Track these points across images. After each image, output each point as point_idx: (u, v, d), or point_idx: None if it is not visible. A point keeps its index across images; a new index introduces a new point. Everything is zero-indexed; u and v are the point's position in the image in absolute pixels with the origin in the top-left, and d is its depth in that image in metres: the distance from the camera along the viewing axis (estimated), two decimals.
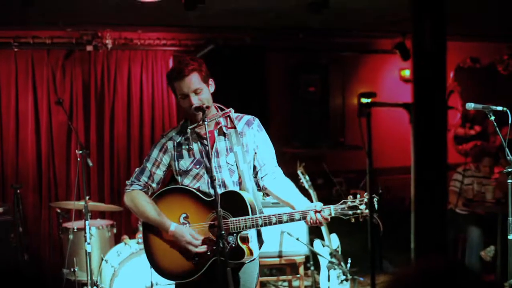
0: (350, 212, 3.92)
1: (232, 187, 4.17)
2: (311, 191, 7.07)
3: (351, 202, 3.93)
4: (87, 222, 6.54)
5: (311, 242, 7.03)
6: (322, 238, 7.10)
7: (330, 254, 6.92)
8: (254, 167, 4.30)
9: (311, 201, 6.86)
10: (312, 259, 7.28)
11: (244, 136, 4.23)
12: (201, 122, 4.07)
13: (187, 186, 4.19)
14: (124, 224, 8.52)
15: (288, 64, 9.89)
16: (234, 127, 4.22)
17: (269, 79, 9.64)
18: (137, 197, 4.21)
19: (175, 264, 4.15)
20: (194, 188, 4.17)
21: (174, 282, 4.34)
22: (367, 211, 3.87)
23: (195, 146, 4.19)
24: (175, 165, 4.22)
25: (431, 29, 2.00)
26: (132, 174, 4.33)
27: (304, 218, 3.97)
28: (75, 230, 7.20)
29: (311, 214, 3.94)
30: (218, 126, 4.22)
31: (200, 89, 4.09)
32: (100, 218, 8.07)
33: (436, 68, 1.98)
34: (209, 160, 4.10)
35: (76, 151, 6.72)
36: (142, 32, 8.76)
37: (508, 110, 5.29)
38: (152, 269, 4.32)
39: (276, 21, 8.48)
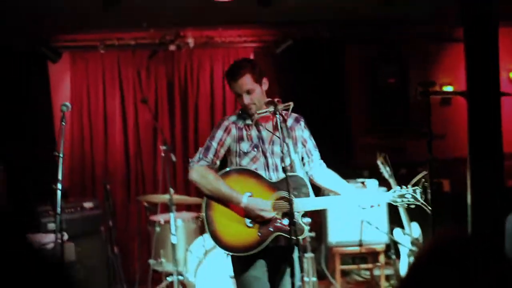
0: (399, 200, 4.39)
1: (282, 172, 4.43)
2: (392, 181, 7.10)
3: (399, 191, 4.40)
4: (172, 215, 6.78)
5: (391, 231, 7.08)
6: (402, 227, 7.14)
7: (411, 242, 6.95)
8: (302, 158, 4.69)
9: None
10: (393, 248, 7.32)
11: (293, 131, 4.63)
12: (269, 114, 4.41)
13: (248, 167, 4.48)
14: None
15: (367, 56, 9.87)
16: (285, 122, 4.53)
17: (348, 72, 9.66)
18: (207, 172, 4.41)
19: (239, 238, 4.38)
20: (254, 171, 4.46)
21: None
22: (412, 200, 4.36)
23: (254, 132, 4.51)
24: (236, 147, 4.49)
25: (483, 17, 2.04)
26: (196, 153, 4.55)
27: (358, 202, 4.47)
28: (162, 222, 7.43)
29: (365, 199, 4.44)
30: (275, 119, 4.48)
31: (252, 90, 4.45)
32: (186, 210, 8.29)
33: (488, 56, 2.03)
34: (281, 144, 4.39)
35: (160, 147, 6.98)
36: (222, 30, 8.91)
37: None
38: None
39: (353, 13, 8.51)
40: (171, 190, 6.85)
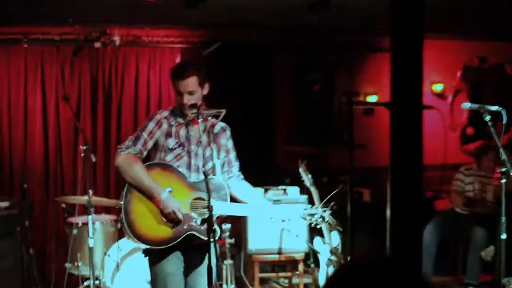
0: (308, 218, 4.72)
1: (202, 174, 4.61)
2: (313, 189, 7.10)
3: (310, 209, 4.75)
4: (90, 217, 6.64)
5: (311, 240, 7.09)
6: (322, 236, 7.16)
7: (330, 251, 6.97)
8: (222, 166, 4.86)
9: (312, 199, 6.94)
10: (313, 256, 7.34)
11: (219, 138, 4.84)
12: (195, 116, 4.58)
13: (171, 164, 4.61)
14: None
15: (294, 63, 9.93)
16: (213, 126, 4.82)
17: (275, 77, 9.68)
18: (133, 160, 4.52)
19: (154, 231, 4.49)
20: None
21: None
22: (320, 220, 4.71)
23: (183, 131, 4.66)
24: (163, 141, 4.63)
25: (409, 30, 2.05)
26: (125, 141, 4.64)
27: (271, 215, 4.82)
28: (80, 225, 7.29)
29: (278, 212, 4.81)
30: (206, 122, 4.76)
31: (194, 91, 4.60)
32: (105, 213, 8.16)
33: (412, 68, 2.04)
34: (202, 146, 4.69)
35: (81, 146, 6.84)
36: (149, 29, 8.83)
37: (503, 110, 5.33)
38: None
39: (282, 19, 8.54)
40: (90, 192, 6.71)
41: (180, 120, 4.67)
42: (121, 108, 8.89)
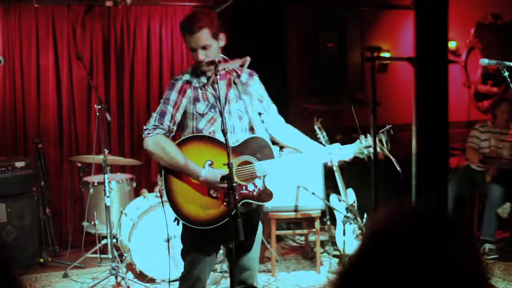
0: (366, 151, 4.35)
1: (241, 133, 4.31)
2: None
3: (365, 141, 4.36)
4: (106, 176, 6.66)
5: (327, 197, 7.09)
6: (338, 193, 7.16)
7: (346, 209, 6.98)
8: (260, 115, 4.47)
9: None
10: (329, 214, 7.34)
11: (248, 86, 4.40)
12: (214, 75, 4.17)
13: (203, 132, 4.22)
14: (144, 178, 8.62)
15: (307, 20, 9.85)
16: (239, 77, 4.37)
17: (288, 35, 9.61)
18: (164, 142, 4.15)
19: (204, 210, 4.18)
20: (212, 136, 4.21)
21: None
22: (379, 149, 4.23)
23: (209, 91, 4.24)
24: (192, 108, 4.23)
25: None
26: (149, 120, 4.25)
27: (326, 158, 4.35)
28: (95, 184, 7.32)
29: (335, 153, 4.34)
30: (229, 76, 4.35)
31: (208, 45, 4.17)
32: (120, 172, 8.18)
33: (437, 23, 1.99)
34: (223, 105, 4.19)
35: (95, 105, 6.82)
36: None
37: None
38: (171, 221, 4.36)
39: None
40: (105, 151, 6.71)
41: (204, 80, 4.25)
42: (134, 67, 8.83)
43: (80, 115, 8.64)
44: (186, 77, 4.29)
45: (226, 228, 4.09)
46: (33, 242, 7.50)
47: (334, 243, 7.35)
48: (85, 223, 7.35)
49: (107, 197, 6.64)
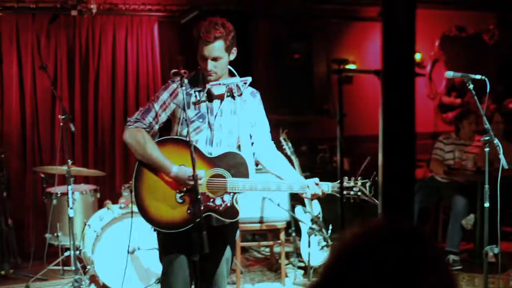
0: (344, 192, 4.16)
1: (227, 147, 4.26)
2: (294, 158, 7.11)
3: (347, 183, 4.20)
4: (69, 187, 6.59)
5: (292, 208, 7.08)
6: (303, 205, 7.16)
7: (311, 220, 6.97)
8: (250, 137, 4.41)
9: (293, 167, 6.92)
10: (294, 225, 7.34)
11: (248, 104, 4.36)
12: (219, 84, 4.19)
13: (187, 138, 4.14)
14: (107, 189, 8.53)
15: (273, 31, 9.86)
16: (241, 94, 4.32)
17: (254, 46, 9.61)
18: (142, 135, 4.14)
19: (167, 214, 4.16)
20: (194, 144, 4.10)
21: (155, 245, 4.40)
22: (359, 194, 4.20)
23: (203, 101, 4.22)
24: (180, 113, 4.21)
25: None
26: (135, 113, 4.24)
27: (302, 189, 4.22)
28: (59, 194, 7.23)
29: (311, 187, 4.19)
30: (231, 91, 4.31)
31: (219, 58, 4.16)
32: (84, 183, 8.11)
33: (404, 35, 1.99)
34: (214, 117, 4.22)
35: (59, 116, 6.75)
36: None
37: (486, 79, 5.36)
38: (134, 233, 4.34)
39: None
40: (69, 162, 6.64)
41: (201, 88, 4.22)
42: (99, 77, 8.75)
43: (44, 125, 8.53)
44: (184, 81, 4.20)
45: (189, 238, 4.04)
46: None
47: (299, 255, 7.35)
48: (47, 235, 7.25)
49: (71, 208, 6.57)
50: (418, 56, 10.45)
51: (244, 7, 9.14)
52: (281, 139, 7.13)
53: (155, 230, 4.30)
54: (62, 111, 6.76)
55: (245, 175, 4.18)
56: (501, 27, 10.76)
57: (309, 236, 6.82)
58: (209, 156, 4.19)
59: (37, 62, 8.33)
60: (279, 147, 7.01)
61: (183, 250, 4.22)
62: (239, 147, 4.31)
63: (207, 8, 8.77)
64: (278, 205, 6.71)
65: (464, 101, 10.35)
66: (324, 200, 7.11)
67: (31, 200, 8.39)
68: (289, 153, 7.09)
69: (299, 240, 7.24)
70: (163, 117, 4.23)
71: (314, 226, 6.89)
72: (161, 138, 4.25)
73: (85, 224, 6.93)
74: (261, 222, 6.96)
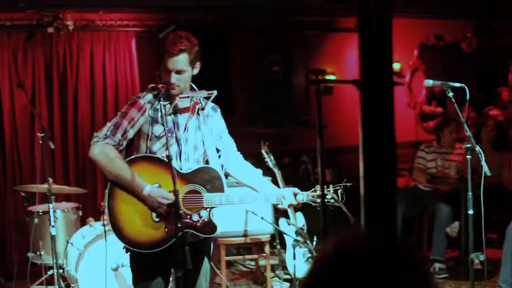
0: (319, 200, 4.23)
1: (194, 163, 4.25)
2: (276, 170, 7.09)
3: (319, 191, 4.24)
4: (50, 205, 6.53)
5: (276, 221, 7.06)
6: (287, 217, 7.13)
7: (296, 232, 6.95)
8: (217, 150, 4.39)
9: (276, 180, 6.90)
10: (278, 238, 7.31)
11: (211, 119, 4.36)
12: (184, 98, 4.19)
13: (157, 155, 4.16)
14: (90, 207, 8.46)
15: (251, 44, 9.86)
16: (203, 108, 4.30)
17: (232, 59, 9.60)
18: (111, 153, 4.06)
19: (144, 232, 4.10)
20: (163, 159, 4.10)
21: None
22: (332, 201, 4.23)
23: (170, 116, 4.20)
24: (148, 129, 4.17)
25: (377, 4, 1.99)
26: (102, 128, 4.16)
27: (278, 200, 4.25)
28: (40, 213, 7.16)
29: (287, 197, 4.22)
30: (195, 105, 4.29)
31: (183, 71, 4.15)
32: (66, 201, 8.04)
33: (381, 44, 1.98)
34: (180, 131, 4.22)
35: (38, 134, 6.70)
36: (103, 13, 8.60)
37: (465, 86, 5.38)
38: (118, 250, 4.27)
39: (238, 0, 8.46)
40: (50, 180, 6.59)
41: (166, 103, 4.19)
42: (77, 93, 8.70)
43: (23, 143, 8.46)
44: (149, 97, 4.20)
45: (171, 255, 4.06)
46: None
47: (284, 267, 7.31)
48: (30, 254, 7.18)
49: (52, 226, 6.51)
50: (397, 66, 10.48)
51: (221, 20, 9.15)
52: (263, 151, 7.11)
53: (127, 251, 4.24)
54: (41, 129, 6.71)
55: (221, 189, 4.18)
56: (478, 35, 10.83)
57: (294, 248, 6.79)
58: (182, 172, 4.17)
59: (15, 80, 8.24)
60: (261, 160, 7.01)
61: (159, 269, 4.21)
62: (207, 162, 4.30)
63: (184, 22, 8.76)
64: (262, 218, 6.67)
65: (448, 110, 10.38)
66: (308, 211, 7.15)
67: (13, 219, 8.31)
68: (271, 165, 7.08)
69: (284, 252, 7.21)
70: (130, 134, 4.17)
71: (299, 238, 6.86)
72: (133, 157, 4.19)
73: (68, 242, 6.86)
74: (245, 235, 6.94)
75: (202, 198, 4.15)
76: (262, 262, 7.62)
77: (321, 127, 5.61)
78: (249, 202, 4.34)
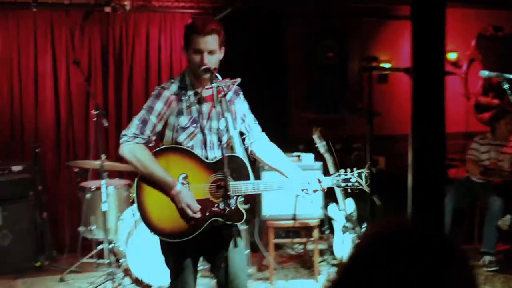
0: (343, 184, 4.37)
1: (219, 150, 4.25)
2: (327, 156, 7.06)
3: (344, 174, 4.36)
4: (103, 182, 6.63)
5: (326, 206, 7.05)
6: (337, 202, 7.11)
7: (345, 218, 6.94)
8: (241, 133, 4.42)
9: (326, 166, 6.89)
10: (327, 223, 7.30)
11: (233, 104, 4.35)
12: (209, 85, 4.13)
13: (182, 145, 4.17)
14: None
15: (307, 30, 9.83)
16: (225, 95, 4.25)
17: (288, 44, 9.59)
18: (141, 151, 4.08)
19: (171, 222, 4.12)
20: (191, 148, 4.17)
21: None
22: (357, 185, 4.35)
23: (194, 105, 4.18)
24: (174, 121, 4.16)
25: None
26: (130, 125, 4.18)
27: (303, 186, 4.26)
28: (93, 189, 7.27)
29: (312, 183, 4.26)
30: (218, 93, 4.22)
31: (215, 51, 4.11)
32: (118, 178, 8.13)
33: (434, 33, 1.96)
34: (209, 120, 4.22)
35: (92, 111, 6.79)
36: None
37: None
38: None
39: None
40: (103, 156, 6.68)
41: (191, 93, 4.18)
42: (132, 73, 8.79)
43: (78, 120, 8.59)
44: (174, 88, 4.19)
45: (199, 242, 4.15)
46: (30, 246, 7.51)
47: (332, 252, 7.30)
48: (81, 228, 7.30)
49: (104, 202, 6.62)
50: (454, 56, 10.34)
51: (277, 5, 9.13)
52: (315, 137, 7.08)
53: (162, 240, 4.30)
54: (96, 106, 6.80)
55: (247, 177, 4.18)
56: None
57: (343, 234, 6.79)
58: (208, 162, 4.19)
59: (71, 58, 8.36)
60: (312, 145, 7.01)
61: (187, 255, 4.26)
62: (231, 148, 4.28)
63: (240, 5, 8.77)
64: (311, 202, 6.68)
65: (505, 102, 10.20)
66: (359, 197, 7.13)
67: (66, 194, 8.47)
68: (322, 151, 7.05)
69: (333, 237, 7.20)
70: (159, 128, 4.17)
71: (348, 224, 6.85)
72: (159, 148, 4.20)
73: (119, 218, 6.96)
74: (294, 219, 6.94)
75: (228, 187, 4.14)
76: (310, 247, 7.62)
77: (371, 114, 5.60)
78: (275, 189, 4.34)
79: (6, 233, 7.27)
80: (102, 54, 8.71)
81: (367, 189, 4.33)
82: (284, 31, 9.62)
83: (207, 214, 4.10)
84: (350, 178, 4.34)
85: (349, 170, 4.39)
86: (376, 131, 9.37)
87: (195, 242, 4.14)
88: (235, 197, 4.17)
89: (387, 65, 10.10)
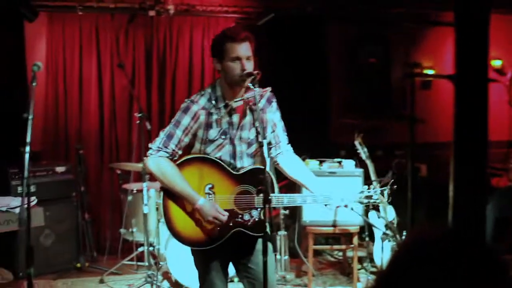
0: (365, 201, 4.35)
1: (248, 160, 4.26)
2: (368, 162, 7.03)
3: (367, 191, 4.35)
4: (144, 184, 6.68)
5: (366, 213, 7.02)
6: (377, 210, 7.08)
7: (385, 225, 6.90)
8: (269, 143, 4.35)
9: (368, 172, 6.87)
10: (367, 230, 7.27)
11: (264, 113, 4.31)
12: (248, 93, 4.15)
13: (211, 155, 4.16)
14: None
15: (349, 34, 9.79)
16: (256, 103, 4.13)
17: (329, 49, 9.56)
18: (165, 166, 4.11)
19: (196, 232, 4.15)
20: (219, 159, 4.16)
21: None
22: (378, 201, 4.34)
23: (225, 117, 4.15)
24: (203, 134, 4.13)
25: (475, 3, 1.95)
26: (156, 138, 4.20)
27: (326, 201, 4.27)
28: (134, 191, 7.33)
29: (334, 199, 4.26)
30: (249, 102, 4.22)
31: (251, 58, 4.09)
32: None
33: (478, 40, 1.94)
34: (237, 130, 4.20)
35: (135, 114, 6.85)
36: None
37: None
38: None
39: None
40: (145, 159, 6.72)
41: (221, 105, 4.13)
42: (175, 77, 8.86)
43: (121, 122, 8.69)
44: (202, 101, 4.14)
45: (227, 249, 4.20)
46: (71, 247, 7.60)
47: (372, 260, 7.27)
48: (122, 230, 7.38)
49: (145, 205, 6.66)
50: (498, 63, 10.22)
51: (319, 10, 9.11)
52: (356, 143, 7.06)
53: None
54: (139, 109, 6.86)
55: (271, 190, 4.10)
56: None
57: (382, 242, 6.75)
58: (235, 173, 4.19)
59: (116, 61, 8.46)
60: (354, 151, 6.98)
61: (217, 262, 4.26)
62: (261, 156, 4.18)
63: (283, 11, 8.78)
64: (352, 209, 6.64)
65: None
66: (400, 206, 7.08)
67: (108, 196, 8.57)
68: (363, 157, 7.02)
69: (373, 245, 7.17)
70: (185, 142, 4.17)
71: (388, 231, 6.81)
72: (186, 158, 4.19)
73: (159, 221, 7.00)
74: (334, 225, 6.91)
75: (253, 199, 4.18)
76: (349, 253, 7.58)
77: (413, 120, 5.55)
78: (299, 203, 4.40)
79: (49, 233, 7.36)
80: (146, 57, 8.80)
81: (386, 205, 4.33)
82: (327, 36, 9.60)
83: (231, 224, 4.15)
84: (372, 195, 4.34)
85: (372, 186, 4.40)
86: (418, 138, 9.30)
87: (221, 248, 4.17)
88: (259, 209, 4.19)
89: (430, 72, 10.01)
